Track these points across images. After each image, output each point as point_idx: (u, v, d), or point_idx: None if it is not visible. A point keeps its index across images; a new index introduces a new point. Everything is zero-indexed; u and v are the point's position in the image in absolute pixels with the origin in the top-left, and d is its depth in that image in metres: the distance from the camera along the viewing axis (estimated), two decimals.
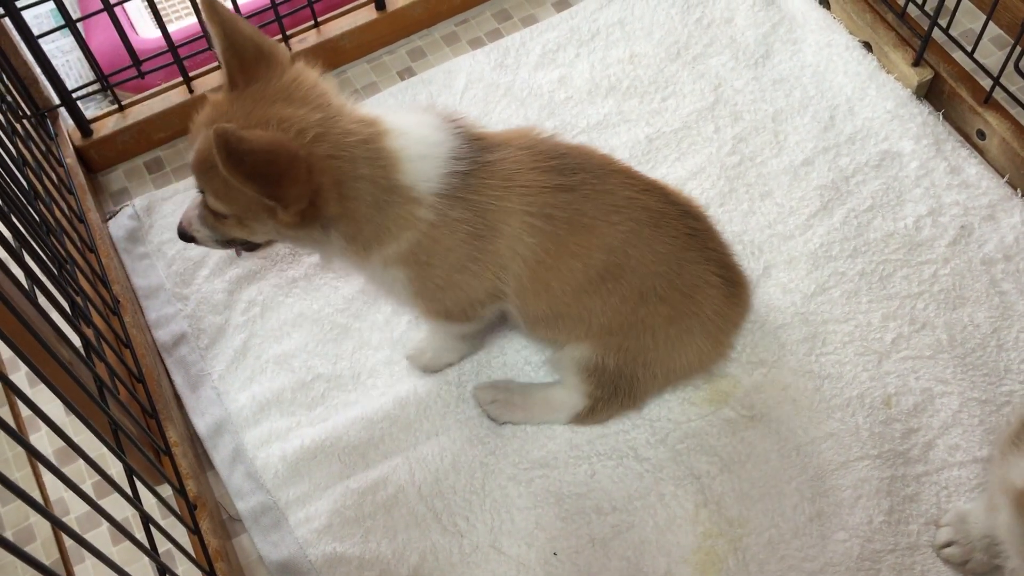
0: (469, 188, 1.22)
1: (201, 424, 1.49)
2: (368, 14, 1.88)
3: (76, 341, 1.21)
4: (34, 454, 0.83)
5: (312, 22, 1.85)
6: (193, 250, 1.63)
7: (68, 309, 1.22)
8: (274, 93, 1.16)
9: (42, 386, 1.30)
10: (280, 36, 1.81)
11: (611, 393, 1.40)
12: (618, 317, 1.32)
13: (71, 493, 0.94)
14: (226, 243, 1.27)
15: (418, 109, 1.27)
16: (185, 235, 1.27)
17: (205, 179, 1.16)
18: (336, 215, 1.17)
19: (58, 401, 0.99)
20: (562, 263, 1.27)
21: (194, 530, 1.29)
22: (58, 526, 0.86)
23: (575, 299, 1.31)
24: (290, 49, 1.82)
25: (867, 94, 1.75)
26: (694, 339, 1.36)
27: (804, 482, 1.38)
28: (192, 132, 1.18)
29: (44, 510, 0.82)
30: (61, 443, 0.95)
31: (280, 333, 1.57)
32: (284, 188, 1.10)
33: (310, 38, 1.85)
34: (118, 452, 1.09)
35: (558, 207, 1.24)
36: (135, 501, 1.07)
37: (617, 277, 1.29)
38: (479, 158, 1.23)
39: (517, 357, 1.53)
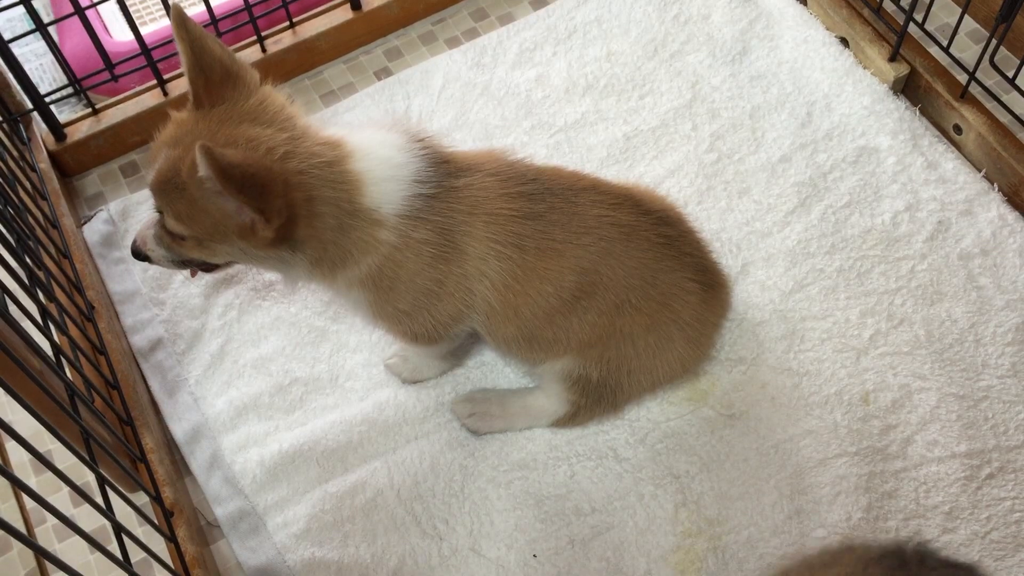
0: (433, 210, 1.20)
1: (178, 430, 1.48)
2: (344, 14, 1.87)
3: (48, 348, 1.20)
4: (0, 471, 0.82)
5: (287, 23, 1.84)
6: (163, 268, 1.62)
7: (39, 318, 1.21)
8: (240, 114, 1.14)
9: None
10: (255, 37, 1.80)
11: (595, 401, 1.40)
12: (596, 330, 1.32)
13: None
14: (182, 264, 1.25)
15: (384, 127, 1.25)
16: (139, 254, 1.25)
17: (166, 200, 1.14)
18: (304, 236, 1.16)
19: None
20: (532, 288, 1.26)
21: (170, 538, 1.28)
22: (27, 544, 0.85)
23: (547, 322, 1.30)
24: (265, 50, 1.81)
25: (844, 90, 1.75)
26: (674, 345, 1.36)
27: (783, 480, 1.38)
28: (153, 151, 1.16)
29: (9, 527, 0.81)
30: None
31: (257, 337, 1.56)
32: (267, 200, 1.08)
33: (285, 39, 1.84)
34: (89, 463, 1.08)
35: (526, 235, 1.23)
36: (106, 512, 1.06)
37: (591, 295, 1.28)
38: (445, 182, 1.22)
39: (495, 359, 1.52)
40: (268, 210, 1.09)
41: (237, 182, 1.04)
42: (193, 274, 1.33)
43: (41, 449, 1.45)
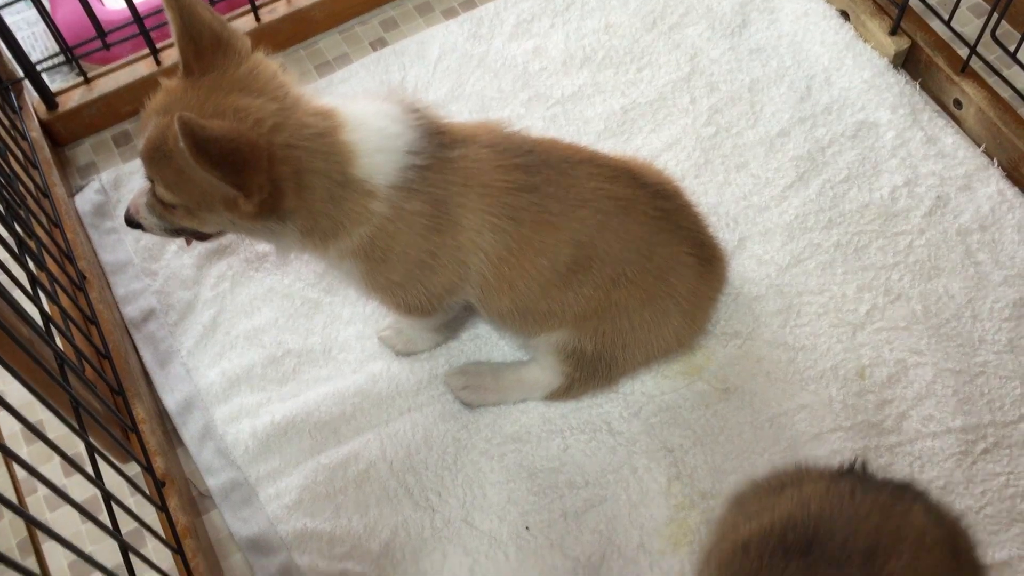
0: (427, 182, 1.19)
1: (170, 401, 1.48)
2: None
3: (38, 318, 1.20)
4: None
5: None
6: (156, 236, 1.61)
7: (28, 286, 1.20)
8: (231, 82, 1.13)
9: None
10: (249, 6, 1.78)
11: (589, 374, 1.39)
12: (592, 303, 1.31)
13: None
14: (174, 232, 1.24)
15: (379, 97, 1.23)
16: (132, 222, 1.24)
17: (155, 168, 1.13)
18: (293, 207, 1.14)
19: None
20: (527, 261, 1.25)
21: (162, 507, 1.28)
22: (18, 513, 0.85)
23: (542, 295, 1.29)
24: (259, 20, 1.79)
25: (844, 63, 1.74)
26: (670, 319, 1.35)
27: (776, 454, 1.38)
28: (143, 119, 1.14)
29: (0, 496, 0.80)
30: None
31: (250, 308, 1.55)
32: (247, 177, 1.07)
33: (280, 8, 1.81)
34: (80, 433, 1.07)
35: (521, 207, 1.22)
36: (97, 482, 1.05)
37: (586, 268, 1.27)
38: (439, 153, 1.20)
39: (489, 331, 1.51)
40: (247, 186, 1.08)
41: (214, 157, 1.02)
42: (188, 243, 1.33)
43: (32, 419, 1.45)
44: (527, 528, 1.35)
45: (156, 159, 1.11)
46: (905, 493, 1.05)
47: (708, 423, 1.41)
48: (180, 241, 1.57)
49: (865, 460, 1.11)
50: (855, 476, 1.07)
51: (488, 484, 1.38)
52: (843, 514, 0.99)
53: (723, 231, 1.57)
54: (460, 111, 1.74)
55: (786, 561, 0.95)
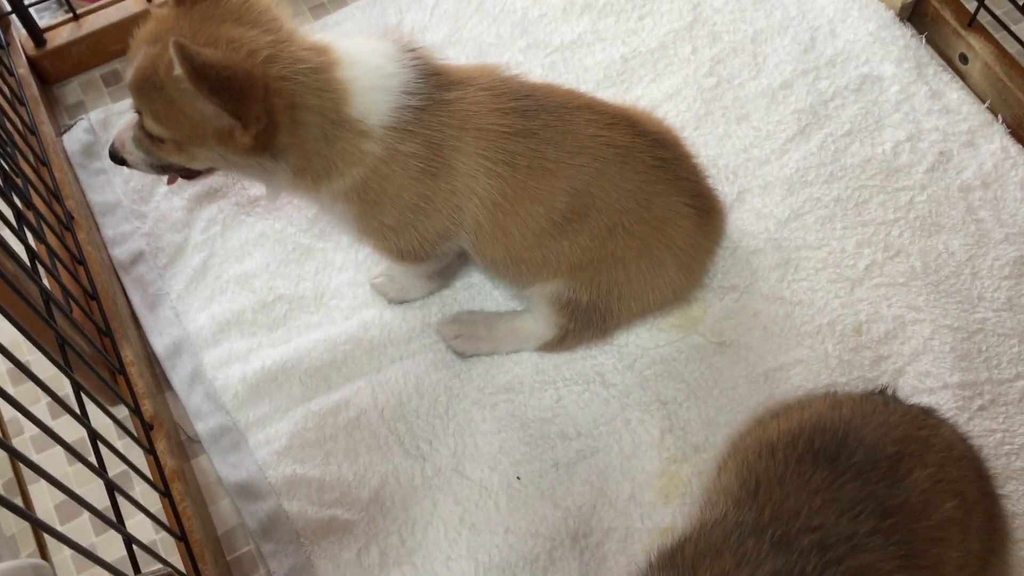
0: (422, 123, 1.16)
1: (159, 344, 1.46)
2: None
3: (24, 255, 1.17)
4: None
5: None
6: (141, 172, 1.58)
7: (13, 221, 1.17)
8: (223, 12, 1.09)
9: None
10: None
11: (583, 325, 1.37)
12: (588, 253, 1.29)
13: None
14: (161, 168, 1.21)
15: (375, 36, 1.21)
16: (116, 157, 1.21)
17: (145, 99, 1.10)
18: (286, 145, 1.12)
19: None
20: (522, 208, 1.23)
21: (150, 450, 1.26)
22: (5, 449, 0.83)
23: (537, 244, 1.27)
24: None
25: (849, 15, 1.70)
26: (667, 271, 1.34)
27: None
28: (132, 48, 1.11)
29: None
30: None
31: (241, 253, 1.53)
32: (246, 104, 1.04)
33: None
34: (65, 369, 1.05)
35: (518, 152, 1.20)
36: (83, 420, 1.04)
37: (583, 217, 1.25)
38: (435, 94, 1.18)
39: (483, 280, 1.49)
40: (245, 115, 1.05)
41: (212, 83, 1.00)
42: (172, 180, 1.30)
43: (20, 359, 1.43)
44: (518, 478, 1.34)
45: (146, 90, 1.08)
46: (935, 413, 1.07)
47: (702, 376, 1.40)
48: (164, 178, 1.55)
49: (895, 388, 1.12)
50: (885, 396, 1.08)
51: (479, 434, 1.37)
52: (874, 420, 0.99)
53: (722, 183, 1.54)
54: (457, 57, 1.70)
55: (813, 468, 0.95)
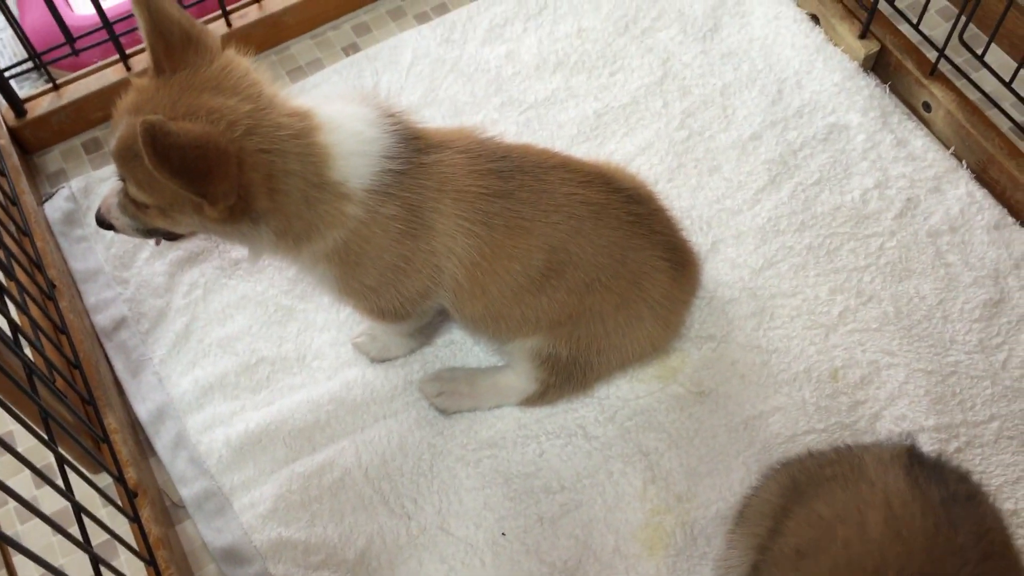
0: (402, 186, 1.19)
1: (142, 410, 1.46)
2: None
3: (6, 328, 1.18)
4: None
5: None
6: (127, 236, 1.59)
7: None
8: (203, 81, 1.11)
9: None
10: (220, 11, 1.77)
11: (564, 379, 1.39)
12: (566, 309, 1.31)
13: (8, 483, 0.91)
14: (146, 232, 1.23)
15: (355, 100, 1.23)
16: (103, 223, 1.23)
17: (127, 168, 1.12)
18: (265, 210, 1.13)
19: None
20: (500, 266, 1.25)
21: (134, 518, 1.26)
22: None
23: (515, 300, 1.29)
24: (230, 25, 1.78)
25: (815, 67, 1.75)
26: (644, 324, 1.36)
27: (751, 456, 1.38)
28: (115, 118, 1.13)
29: None
30: None
31: (223, 316, 1.54)
32: (212, 184, 1.05)
33: (251, 13, 1.80)
34: (48, 443, 1.06)
35: (495, 212, 1.22)
36: (66, 492, 1.04)
37: (560, 273, 1.27)
38: (414, 158, 1.20)
39: (464, 337, 1.51)
40: (211, 194, 1.06)
41: (174, 166, 1.01)
42: (158, 243, 1.31)
43: (1, 431, 1.43)
44: (503, 534, 1.34)
45: (127, 158, 1.10)
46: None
47: (683, 426, 1.41)
48: (151, 246, 1.57)
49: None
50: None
51: (464, 490, 1.38)
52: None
53: (696, 235, 1.57)
54: (433, 116, 1.73)
55: None
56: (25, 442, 1.41)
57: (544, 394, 1.41)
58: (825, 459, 1.16)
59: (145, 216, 1.18)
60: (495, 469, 1.39)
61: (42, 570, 1.35)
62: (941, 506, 1.00)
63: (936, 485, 1.03)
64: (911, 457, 1.07)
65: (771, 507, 1.16)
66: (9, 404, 0.97)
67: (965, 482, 1.06)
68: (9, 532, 1.37)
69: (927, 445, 1.37)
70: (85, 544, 1.03)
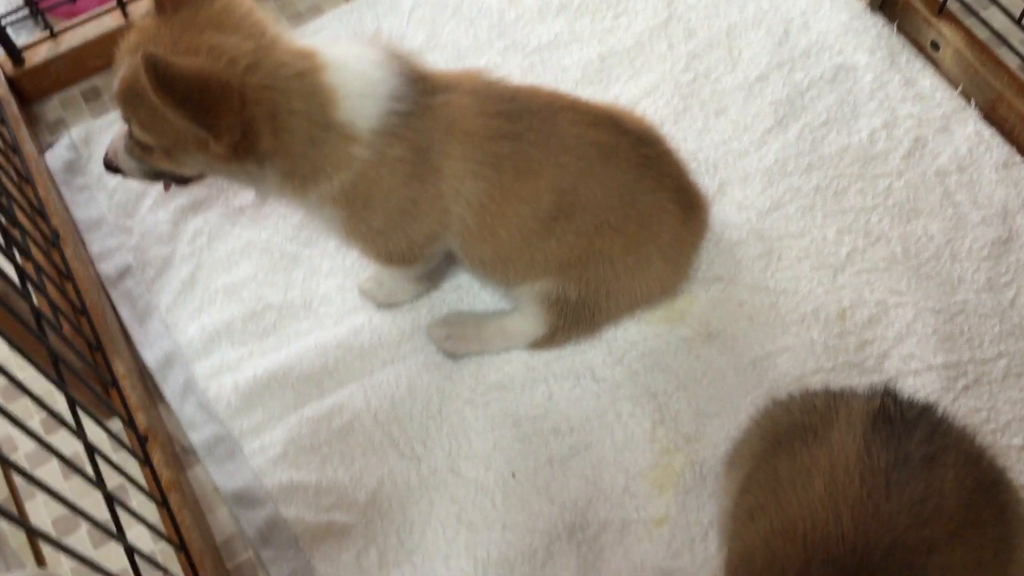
0: (409, 128, 1.17)
1: (150, 357, 1.46)
2: None
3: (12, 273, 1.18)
4: None
5: None
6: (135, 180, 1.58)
7: (1, 240, 1.18)
8: (205, 20, 1.10)
9: None
10: None
11: (573, 322, 1.39)
12: (575, 251, 1.30)
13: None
14: (154, 175, 1.22)
15: (361, 42, 1.21)
16: (110, 166, 1.22)
17: (131, 108, 1.11)
18: (270, 150, 1.12)
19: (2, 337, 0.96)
20: (509, 208, 1.24)
21: (145, 462, 1.27)
22: (5, 463, 0.83)
23: (524, 243, 1.28)
24: None
25: (821, 7, 1.73)
26: (653, 266, 1.35)
27: (759, 396, 1.38)
28: (117, 59, 1.12)
29: None
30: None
31: (228, 263, 1.53)
32: (216, 117, 1.05)
33: None
34: (59, 383, 1.06)
35: (504, 155, 1.21)
36: (79, 432, 1.04)
37: (569, 216, 1.26)
38: (421, 100, 1.19)
39: (471, 281, 1.51)
40: (216, 127, 1.06)
41: (178, 97, 1.00)
42: (167, 187, 1.31)
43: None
44: (513, 475, 1.35)
45: (130, 99, 1.09)
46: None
47: (691, 367, 1.42)
48: (154, 194, 1.56)
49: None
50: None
51: (473, 432, 1.38)
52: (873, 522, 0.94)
53: (703, 177, 1.56)
54: (436, 61, 1.70)
55: None
56: (35, 390, 1.41)
57: (552, 337, 1.41)
58: (808, 404, 1.12)
59: (151, 158, 1.17)
60: (504, 411, 1.40)
61: (55, 515, 1.37)
62: (883, 471, 0.96)
63: (891, 447, 0.99)
64: (880, 413, 1.02)
65: (751, 454, 1.15)
66: (20, 346, 0.97)
67: (931, 442, 1.01)
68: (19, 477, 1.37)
69: (935, 383, 1.38)
70: (100, 484, 1.03)
